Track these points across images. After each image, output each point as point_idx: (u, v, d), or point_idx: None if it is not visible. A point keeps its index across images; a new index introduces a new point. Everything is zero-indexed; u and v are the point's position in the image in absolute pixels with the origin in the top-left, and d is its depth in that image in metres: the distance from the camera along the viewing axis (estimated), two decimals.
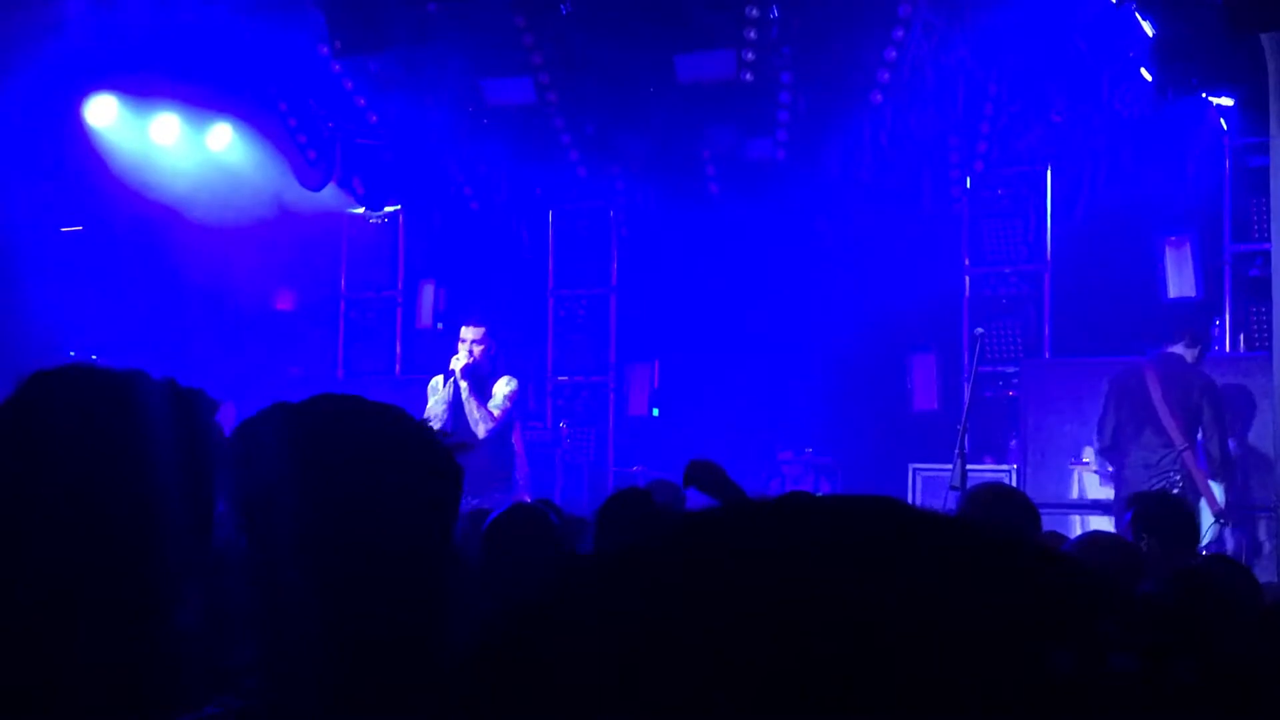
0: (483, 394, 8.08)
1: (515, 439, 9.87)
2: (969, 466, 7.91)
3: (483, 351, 8.09)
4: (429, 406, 8.24)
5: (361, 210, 12.50)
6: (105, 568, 1.64)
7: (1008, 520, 4.10)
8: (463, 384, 8.02)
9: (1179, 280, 9.93)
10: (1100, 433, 8.64)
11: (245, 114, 11.27)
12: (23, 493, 1.61)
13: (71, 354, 10.00)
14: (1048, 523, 6.84)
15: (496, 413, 8.03)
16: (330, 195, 11.99)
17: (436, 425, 8.03)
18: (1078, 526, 8.45)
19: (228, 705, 1.52)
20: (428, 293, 12.40)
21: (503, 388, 8.13)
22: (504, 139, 11.16)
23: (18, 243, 10.92)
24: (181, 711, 1.57)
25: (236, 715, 1.51)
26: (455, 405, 8.03)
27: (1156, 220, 9.97)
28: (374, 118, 11.14)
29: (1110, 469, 8.66)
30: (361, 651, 1.55)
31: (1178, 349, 8.40)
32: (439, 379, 8.23)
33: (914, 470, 9.78)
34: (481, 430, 7.95)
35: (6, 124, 9.98)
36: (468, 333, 8.17)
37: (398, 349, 12.40)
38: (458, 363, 8.06)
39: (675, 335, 11.78)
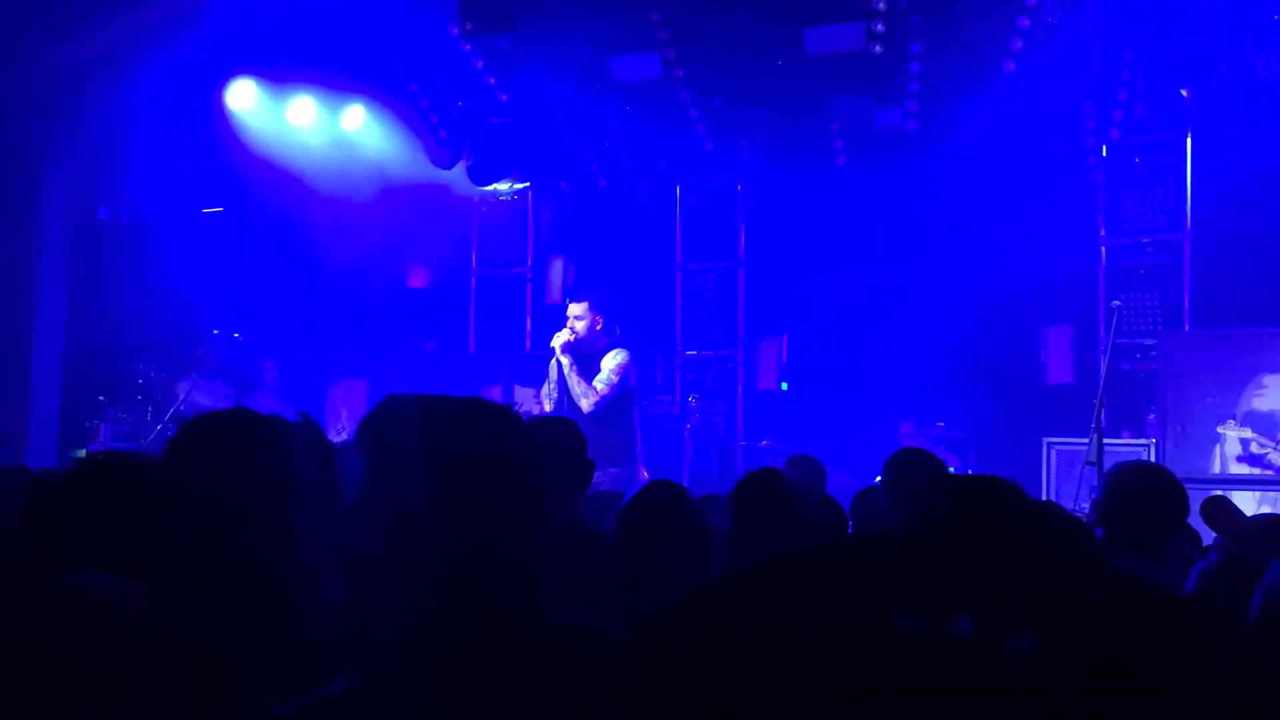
0: (590, 369, 7.92)
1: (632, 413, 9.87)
2: (1106, 441, 7.75)
3: (586, 326, 7.98)
4: (544, 389, 8.19)
5: (492, 188, 12.65)
6: (255, 563, 2.05)
7: (1154, 500, 4.02)
8: (564, 360, 7.91)
9: None
10: None
11: (378, 95, 11.48)
12: (199, 505, 2.02)
13: (215, 332, 10.32)
14: (1190, 497, 6.68)
15: (600, 387, 7.84)
16: (460, 174, 12.16)
17: (549, 405, 7.98)
18: None
19: (351, 681, 1.60)
20: (557, 268, 12.52)
21: (609, 361, 7.94)
22: (631, 115, 11.20)
23: (163, 224, 11.30)
24: (323, 677, 1.66)
25: (355, 690, 1.59)
26: (563, 382, 7.92)
27: None
28: (504, 96, 11.26)
29: None
30: (471, 624, 1.64)
31: None
32: (554, 361, 8.10)
33: (1048, 444, 9.63)
34: (585, 405, 7.78)
35: (152, 109, 10.31)
36: (571, 309, 8.11)
37: (528, 324, 12.56)
38: (558, 339, 7.98)
39: (803, 309, 11.72)
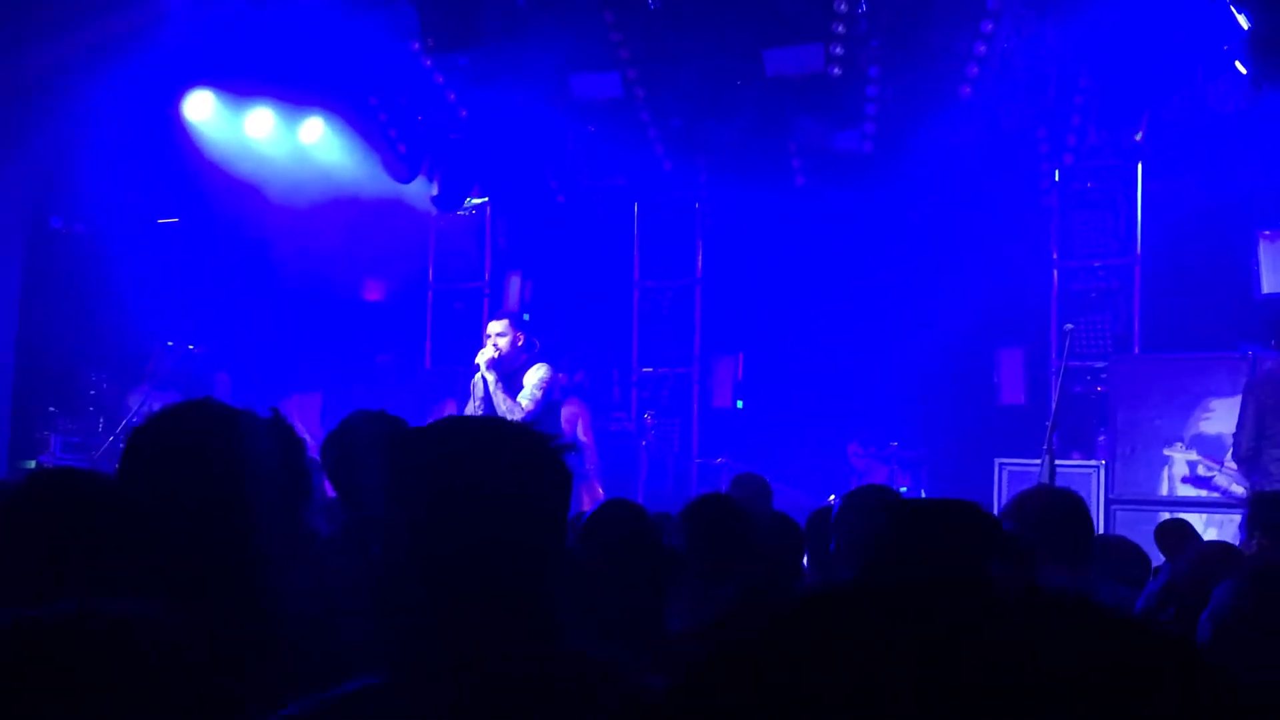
0: (514, 385, 8.03)
1: (584, 430, 9.87)
2: (1057, 462, 7.85)
3: (508, 344, 8.08)
4: (468, 407, 8.23)
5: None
6: (219, 565, 1.97)
7: (1044, 511, 4.08)
8: (489, 376, 7.99)
9: (1273, 275, 9.77)
10: (1240, 439, 8.28)
11: (337, 108, 11.45)
12: (158, 493, 1.86)
13: (169, 343, 10.25)
14: (1137, 519, 6.80)
15: (525, 402, 7.95)
16: (419, 187, 12.14)
17: None
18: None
19: (373, 682, 1.61)
20: (514, 284, 12.53)
21: (531, 376, 8.07)
22: (591, 133, 11.24)
23: (117, 234, 11.20)
24: (297, 686, 1.66)
25: (376, 691, 1.60)
26: (488, 400, 8.01)
27: (1250, 214, 9.81)
28: (464, 112, 11.27)
29: (1246, 484, 8.31)
30: (475, 633, 1.64)
31: None
32: (478, 378, 8.18)
33: (1000, 465, 9.72)
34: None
35: (108, 119, 10.24)
36: (491, 327, 8.25)
37: (484, 339, 12.53)
38: (481, 357, 8.06)
39: (760, 327, 11.79)
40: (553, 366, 8.23)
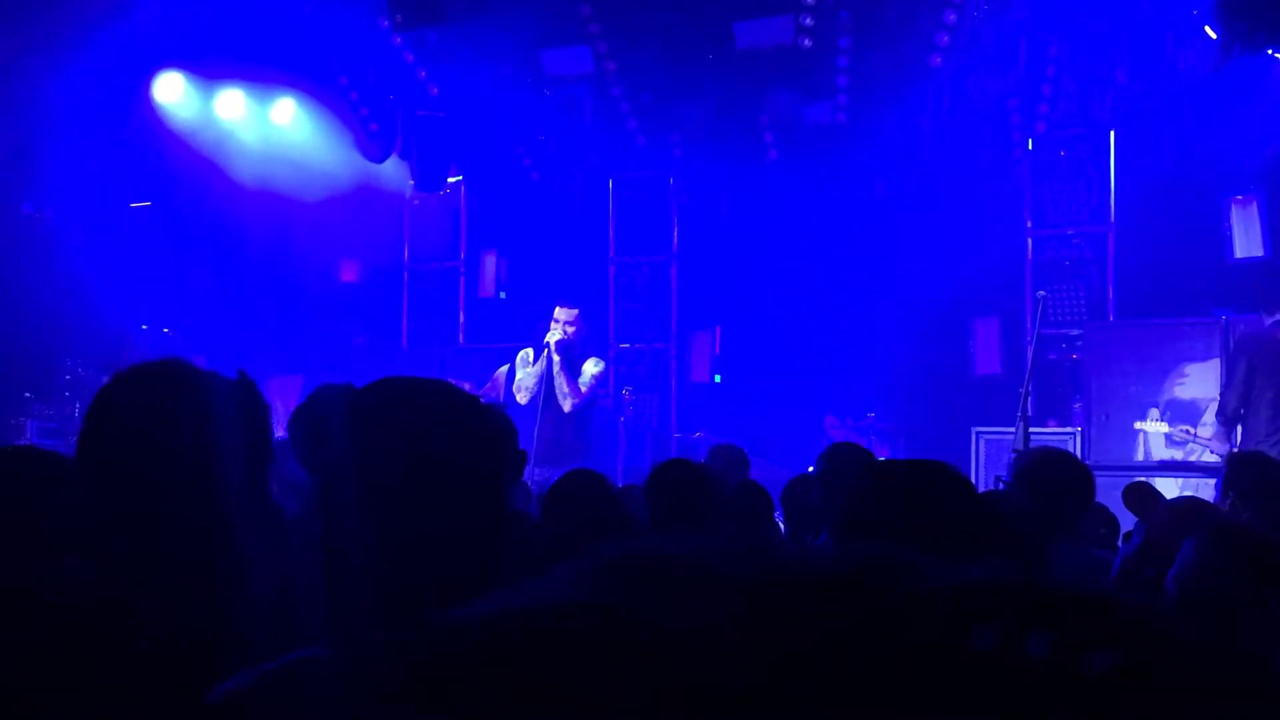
0: (572, 371, 8.49)
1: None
2: (1032, 429, 7.89)
3: (575, 331, 8.57)
4: (519, 378, 8.65)
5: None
6: (179, 518, 1.90)
7: (1059, 484, 4.10)
8: (556, 358, 8.42)
9: (1246, 240, 9.81)
10: (1228, 399, 8.27)
11: (308, 88, 11.39)
12: (118, 457, 1.83)
13: (144, 327, 10.22)
14: (1113, 485, 6.85)
15: (583, 389, 8.49)
16: (392, 167, 12.10)
17: (525, 396, 8.50)
18: None
19: (314, 654, 1.60)
20: (489, 263, 12.51)
21: (591, 368, 8.63)
22: (563, 109, 11.21)
23: (89, 219, 11.14)
24: (255, 661, 1.66)
25: (319, 662, 1.60)
26: (545, 378, 8.43)
27: (1222, 180, 9.84)
28: (435, 90, 11.22)
29: (1223, 450, 8.32)
30: (420, 601, 1.64)
31: None
32: (529, 351, 8.67)
33: (977, 434, 9.76)
34: (568, 405, 8.41)
35: (77, 102, 10.17)
36: (562, 313, 8.62)
37: (461, 318, 12.54)
38: (553, 337, 8.47)
39: (736, 301, 11.80)
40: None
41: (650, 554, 0.73)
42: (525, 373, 8.59)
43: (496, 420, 1.80)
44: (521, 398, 8.48)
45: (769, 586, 0.65)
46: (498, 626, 0.70)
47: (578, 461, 8.03)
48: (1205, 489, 8.44)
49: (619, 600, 0.68)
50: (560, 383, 8.41)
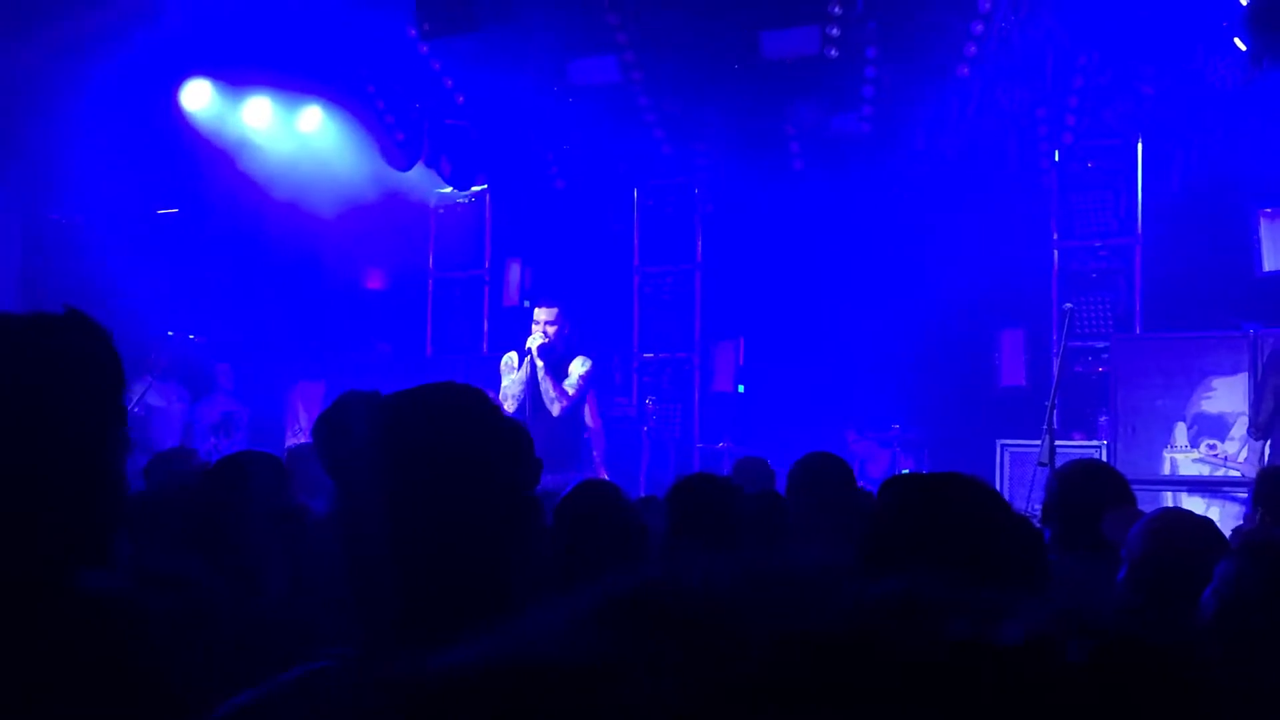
0: (557, 373, 8.20)
1: (593, 417, 9.96)
2: (1058, 443, 7.84)
3: (556, 332, 8.24)
4: (504, 385, 8.37)
5: (449, 190, 12.64)
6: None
7: (1099, 497, 4.05)
8: (539, 363, 8.14)
9: (1274, 252, 9.74)
10: (1258, 414, 8.43)
11: (335, 96, 11.42)
12: None
13: (170, 333, 10.25)
14: (1139, 499, 6.77)
15: (571, 391, 8.18)
16: (418, 175, 12.13)
17: (512, 404, 8.20)
18: (1170, 504, 8.34)
19: (342, 656, 1.60)
20: (514, 271, 12.52)
21: (577, 368, 8.27)
22: (589, 118, 11.21)
23: (116, 225, 11.20)
24: (274, 669, 1.65)
25: (347, 665, 1.59)
26: (531, 383, 8.17)
27: (1251, 192, 9.78)
28: (461, 98, 11.24)
29: (1249, 467, 8.34)
30: (438, 608, 1.63)
31: None
32: (513, 356, 8.38)
33: (1001, 446, 9.72)
34: (556, 409, 8.11)
35: (106, 109, 10.23)
36: (541, 314, 8.33)
37: (485, 327, 12.55)
38: (534, 342, 8.19)
39: (760, 311, 11.77)
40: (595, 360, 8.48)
41: (658, 593, 0.72)
42: (510, 379, 8.30)
43: (515, 429, 1.78)
44: (509, 405, 8.12)
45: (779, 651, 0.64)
46: (485, 677, 0.70)
47: (572, 467, 7.88)
48: (1232, 506, 8.39)
49: (614, 647, 0.67)
50: (546, 387, 8.11)
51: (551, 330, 8.22)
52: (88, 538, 1.54)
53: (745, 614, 0.69)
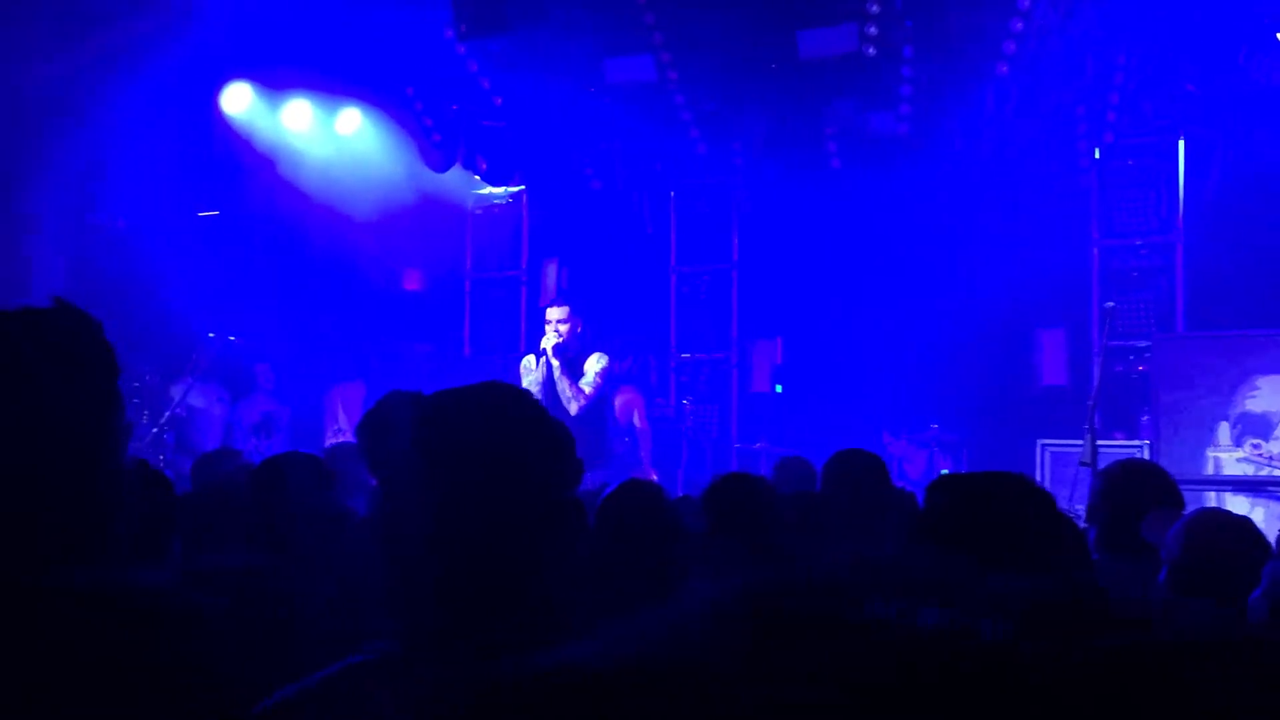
0: (573, 372, 8.16)
1: (640, 417, 9.96)
2: (1099, 442, 7.79)
3: (568, 330, 8.21)
4: (524, 387, 8.30)
5: (486, 191, 12.68)
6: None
7: (1143, 498, 4.00)
8: (555, 363, 8.10)
9: None
10: None
11: (373, 99, 11.48)
12: None
13: (210, 335, 10.33)
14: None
15: (588, 390, 8.12)
16: (455, 177, 12.17)
17: None
18: (1213, 504, 8.27)
19: (379, 650, 1.61)
20: (551, 272, 12.55)
21: (593, 365, 8.21)
22: (625, 118, 11.22)
23: (158, 228, 11.29)
24: (319, 664, 1.66)
25: (384, 658, 1.60)
26: (548, 384, 8.11)
27: None
28: (498, 99, 11.28)
29: None
30: (478, 608, 1.63)
31: None
32: (530, 359, 8.35)
33: (1042, 446, 9.65)
34: (574, 408, 8.05)
35: (147, 112, 10.32)
36: (553, 313, 8.31)
37: (522, 327, 12.58)
38: (547, 342, 8.16)
39: (798, 311, 11.74)
40: (611, 355, 8.39)
41: (786, 592, 0.73)
42: (527, 381, 8.24)
43: (559, 429, 1.79)
44: None
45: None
46: (598, 676, 0.70)
47: (600, 466, 7.83)
48: (1277, 505, 8.31)
49: (736, 648, 0.69)
50: (563, 387, 8.06)
51: (564, 329, 8.21)
52: (84, 529, 1.53)
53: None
